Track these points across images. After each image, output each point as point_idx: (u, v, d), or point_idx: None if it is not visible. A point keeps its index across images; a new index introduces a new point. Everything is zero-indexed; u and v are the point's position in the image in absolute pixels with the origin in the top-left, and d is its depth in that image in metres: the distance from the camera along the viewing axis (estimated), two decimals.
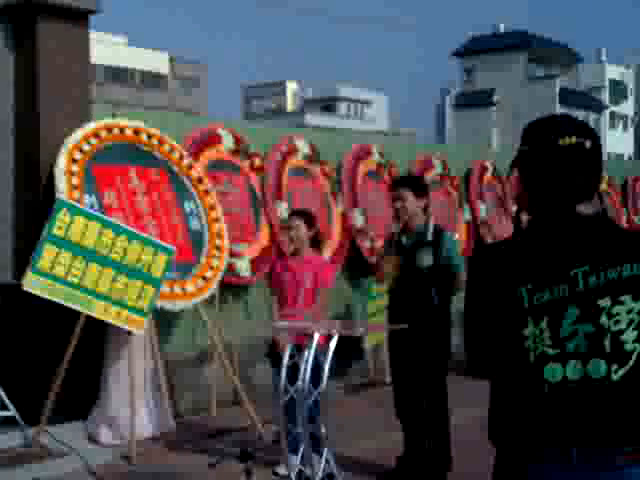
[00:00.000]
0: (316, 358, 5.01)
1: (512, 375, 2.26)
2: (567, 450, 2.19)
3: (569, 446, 2.19)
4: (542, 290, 2.21)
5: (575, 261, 2.22)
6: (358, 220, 9.39)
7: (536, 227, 2.34)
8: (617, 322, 2.20)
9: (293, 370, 5.17)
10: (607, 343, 2.20)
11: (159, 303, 6.65)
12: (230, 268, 7.64)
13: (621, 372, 2.19)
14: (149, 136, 7.22)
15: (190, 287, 6.97)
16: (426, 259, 5.60)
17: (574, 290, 2.21)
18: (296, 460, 5.18)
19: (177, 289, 6.86)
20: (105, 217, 6.49)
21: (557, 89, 62.57)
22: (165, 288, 6.69)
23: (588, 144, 2.29)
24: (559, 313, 2.21)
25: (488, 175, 11.56)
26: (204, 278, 7.11)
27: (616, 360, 2.19)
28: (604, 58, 71.67)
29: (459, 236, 9.93)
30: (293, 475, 5.15)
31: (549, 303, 2.21)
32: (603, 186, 12.40)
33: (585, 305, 2.21)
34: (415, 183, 5.85)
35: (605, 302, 2.20)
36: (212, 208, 7.49)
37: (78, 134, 6.75)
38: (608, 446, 2.18)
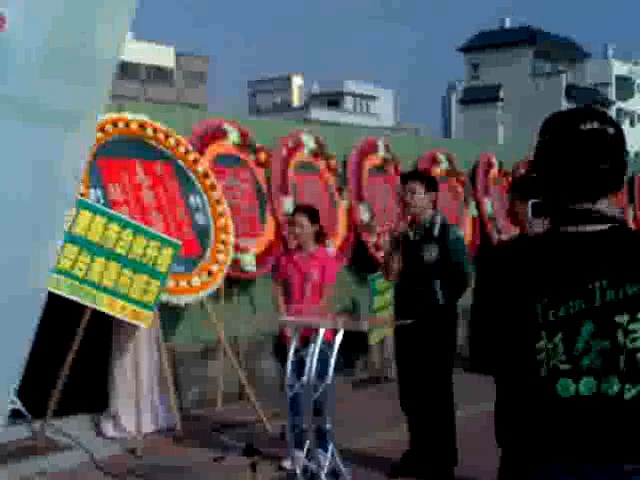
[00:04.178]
0: (322, 352, 5.00)
1: (522, 385, 2.20)
2: (577, 465, 2.14)
3: (579, 461, 2.14)
4: (558, 305, 2.13)
5: (593, 274, 2.13)
6: (364, 215, 9.37)
7: (553, 232, 2.23)
8: (634, 340, 2.12)
9: (299, 365, 5.17)
10: (622, 361, 2.12)
11: (165, 297, 6.65)
12: (235, 263, 7.64)
13: (634, 391, 2.12)
14: (155, 130, 7.21)
15: (196, 281, 6.97)
16: (432, 254, 5.61)
17: (590, 305, 2.12)
18: (302, 455, 5.17)
19: (183, 283, 6.86)
20: (110, 211, 6.48)
21: (563, 85, 62.47)
22: (171, 282, 6.69)
23: (611, 130, 2.19)
24: (574, 328, 2.13)
25: (494, 170, 11.55)
26: (209, 272, 7.11)
27: (630, 379, 2.12)
28: (610, 54, 71.49)
29: (465, 231, 9.92)
30: (299, 469, 5.15)
31: (564, 318, 2.13)
32: None
33: (601, 321, 2.12)
34: (425, 177, 5.90)
35: (622, 318, 2.12)
36: (218, 202, 7.49)
37: None
38: (618, 462, 2.12)
